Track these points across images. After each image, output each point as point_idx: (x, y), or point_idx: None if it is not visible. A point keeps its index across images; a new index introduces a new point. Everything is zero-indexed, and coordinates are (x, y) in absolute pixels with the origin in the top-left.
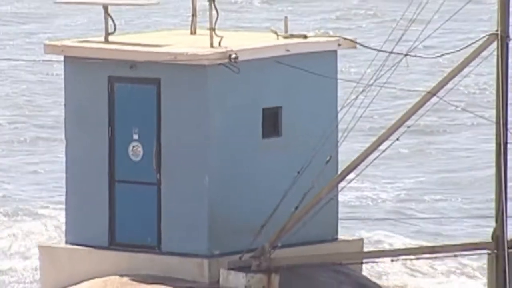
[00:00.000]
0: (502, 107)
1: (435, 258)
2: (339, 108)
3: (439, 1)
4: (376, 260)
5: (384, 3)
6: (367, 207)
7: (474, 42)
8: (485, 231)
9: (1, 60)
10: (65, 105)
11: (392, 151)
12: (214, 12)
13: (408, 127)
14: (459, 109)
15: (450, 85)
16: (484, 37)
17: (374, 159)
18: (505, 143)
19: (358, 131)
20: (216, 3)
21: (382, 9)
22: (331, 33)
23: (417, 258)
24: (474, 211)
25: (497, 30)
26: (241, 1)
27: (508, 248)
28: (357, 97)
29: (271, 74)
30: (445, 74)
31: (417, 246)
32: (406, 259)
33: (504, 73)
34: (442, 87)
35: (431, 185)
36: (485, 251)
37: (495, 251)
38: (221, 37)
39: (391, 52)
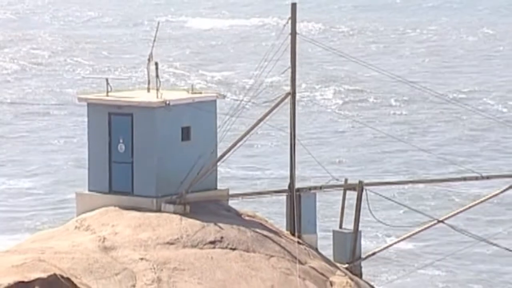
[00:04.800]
0: (293, 128)
1: (261, 197)
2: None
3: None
4: (234, 199)
5: None
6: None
7: (279, 97)
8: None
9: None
10: (87, 126)
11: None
12: (159, 81)
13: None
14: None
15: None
16: (282, 94)
17: (230, 154)
18: (294, 145)
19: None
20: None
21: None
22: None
23: (251, 199)
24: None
25: (290, 90)
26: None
27: (296, 191)
28: (225, 122)
29: (185, 111)
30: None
31: (251, 192)
32: (246, 200)
33: (293, 114)
34: (268, 115)
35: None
36: (285, 194)
37: (290, 194)
38: (162, 93)
39: (241, 100)
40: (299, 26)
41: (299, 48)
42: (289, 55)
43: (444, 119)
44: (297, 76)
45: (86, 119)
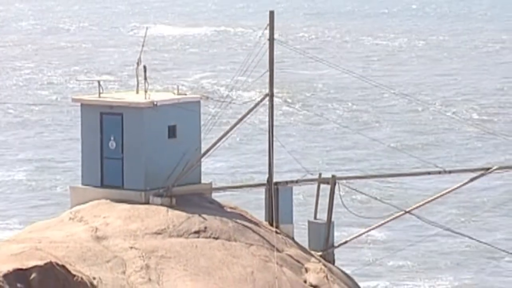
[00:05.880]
0: (271, 127)
1: (241, 190)
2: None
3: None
4: (217, 192)
5: None
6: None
7: (259, 97)
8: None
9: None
10: (81, 125)
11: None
12: (147, 83)
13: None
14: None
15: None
16: (261, 95)
17: (213, 150)
18: (272, 142)
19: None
20: (148, 80)
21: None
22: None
23: (230, 190)
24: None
25: (268, 91)
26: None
27: (275, 185)
28: (209, 121)
29: (171, 111)
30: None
31: (229, 185)
32: (225, 191)
33: (271, 114)
34: (247, 114)
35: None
36: (264, 187)
37: (268, 187)
38: (150, 95)
39: (223, 101)
40: (264, 32)
41: (263, 53)
42: (256, 58)
43: (398, 117)
44: (257, 80)
45: (65, 117)
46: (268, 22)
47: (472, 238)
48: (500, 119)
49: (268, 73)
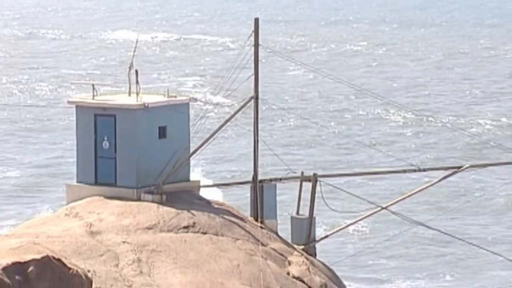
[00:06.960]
0: (256, 128)
1: (230, 187)
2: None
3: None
4: (202, 188)
5: None
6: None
7: (243, 101)
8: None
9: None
10: (76, 126)
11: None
12: (139, 86)
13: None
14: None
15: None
16: (246, 98)
17: (204, 147)
18: (257, 142)
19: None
20: (139, 83)
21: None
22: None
23: (218, 187)
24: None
25: (253, 94)
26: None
27: (259, 182)
28: (196, 122)
29: (162, 112)
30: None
31: (217, 183)
32: (212, 189)
33: (256, 116)
34: (235, 114)
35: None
36: (249, 184)
37: (253, 184)
38: (141, 97)
39: (213, 103)
40: (230, 40)
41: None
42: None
43: (369, 117)
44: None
45: (56, 118)
46: (252, 29)
47: (443, 232)
48: (460, 120)
49: (253, 77)
